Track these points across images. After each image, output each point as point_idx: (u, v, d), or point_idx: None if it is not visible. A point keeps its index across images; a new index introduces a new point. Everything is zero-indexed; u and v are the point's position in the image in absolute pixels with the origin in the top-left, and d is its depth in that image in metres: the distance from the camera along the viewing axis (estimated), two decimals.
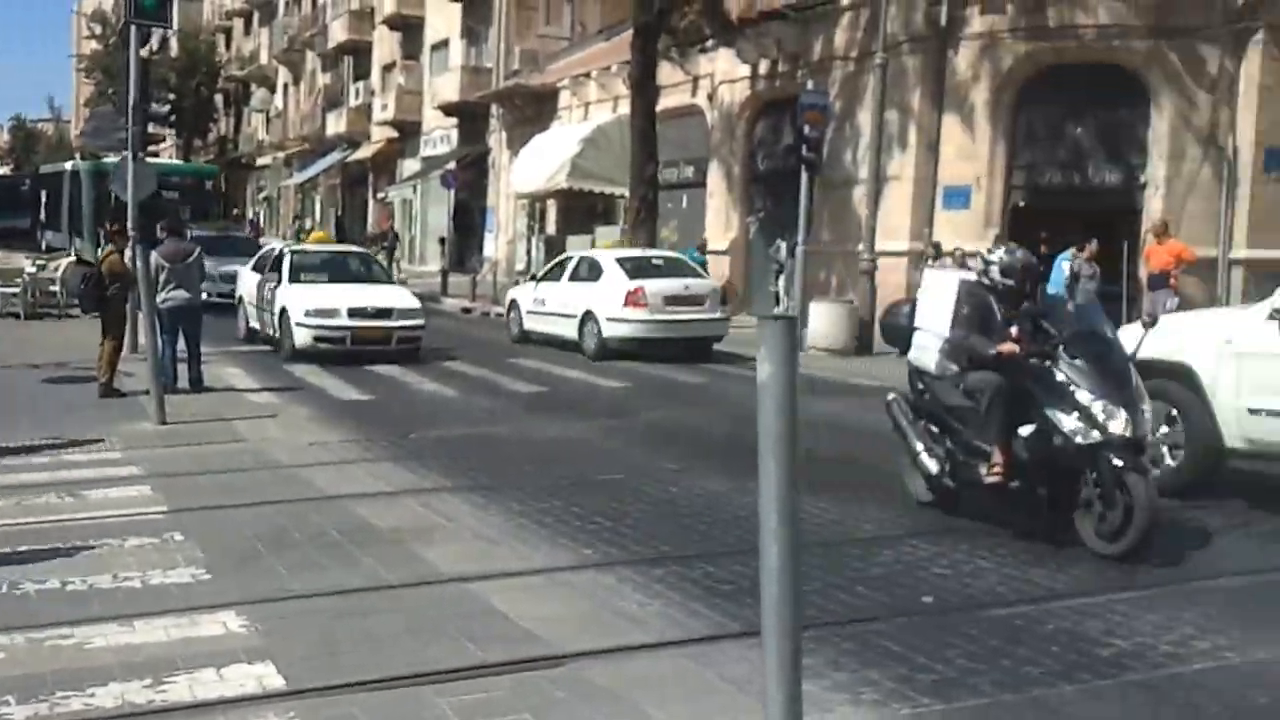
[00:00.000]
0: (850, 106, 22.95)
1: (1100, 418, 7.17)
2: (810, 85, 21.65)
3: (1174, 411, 8.96)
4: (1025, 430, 7.60)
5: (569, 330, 19.11)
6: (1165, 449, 8.96)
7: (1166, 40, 19.81)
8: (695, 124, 28.17)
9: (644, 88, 24.27)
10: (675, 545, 7.43)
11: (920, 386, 8.52)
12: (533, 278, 22.09)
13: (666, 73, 26.14)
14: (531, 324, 20.49)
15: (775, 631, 3.57)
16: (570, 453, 10.75)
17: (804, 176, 19.96)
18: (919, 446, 8.29)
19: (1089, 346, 7.51)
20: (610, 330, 18.20)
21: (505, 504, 8.46)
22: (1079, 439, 7.23)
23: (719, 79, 27.00)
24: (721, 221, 26.77)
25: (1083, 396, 7.26)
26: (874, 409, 12.62)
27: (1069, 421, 7.28)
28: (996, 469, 7.63)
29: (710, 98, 27.55)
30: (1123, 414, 7.18)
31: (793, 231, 20.56)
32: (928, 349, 8.38)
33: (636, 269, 18.89)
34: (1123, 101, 20.31)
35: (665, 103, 26.96)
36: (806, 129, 19.85)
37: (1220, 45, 19.70)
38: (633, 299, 18.03)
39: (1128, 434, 7.18)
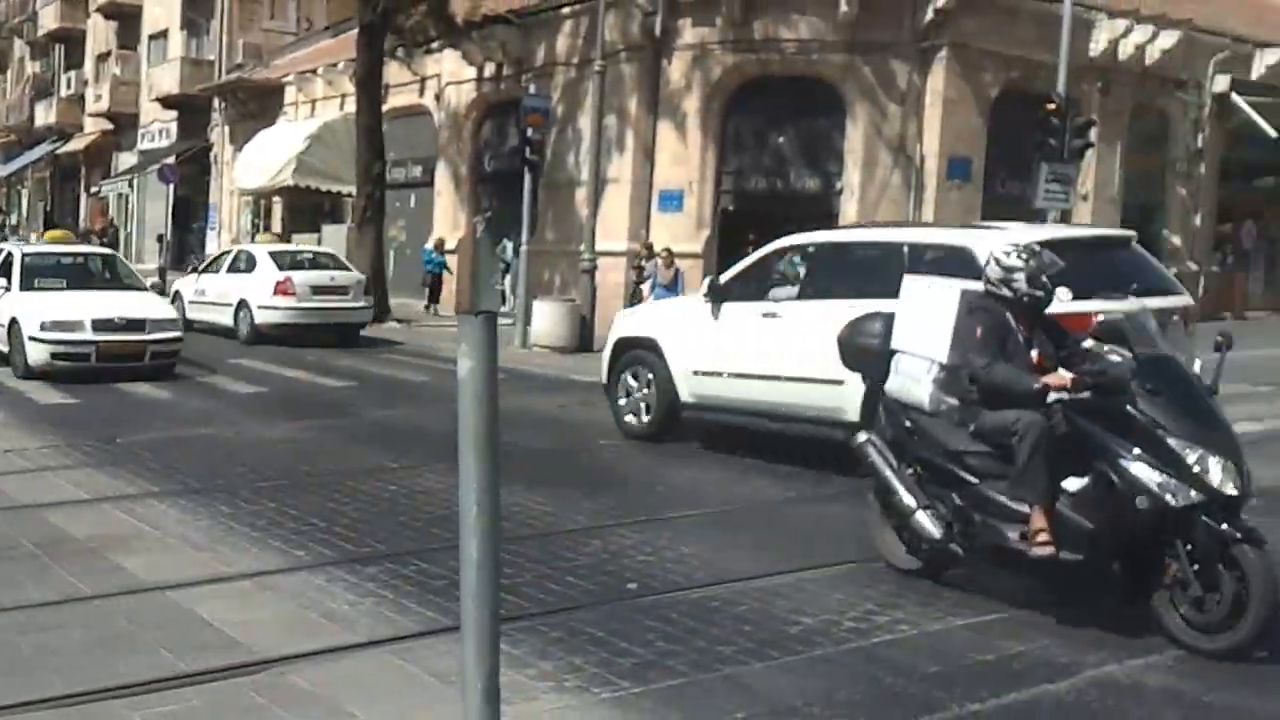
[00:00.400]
0: (572, 111, 23.17)
1: (1195, 469, 5.48)
2: (533, 89, 21.71)
3: (650, 375, 10.88)
4: (1073, 485, 5.85)
5: (225, 318, 20.21)
6: (643, 403, 11.00)
7: (861, 55, 20.86)
8: (423, 124, 27.83)
9: (370, 86, 23.83)
10: (390, 543, 7.29)
11: (908, 425, 6.59)
12: (194, 270, 23.20)
13: (394, 72, 25.73)
14: (194, 313, 20.94)
15: (474, 624, 3.54)
16: (287, 454, 10.39)
17: (527, 178, 20.01)
18: (912, 503, 6.42)
19: (1165, 374, 5.77)
20: (261, 317, 19.60)
21: (215, 508, 8.08)
22: (1172, 499, 5.49)
23: (445, 80, 26.76)
24: (449, 221, 26.51)
25: (1174, 443, 5.54)
26: (590, 404, 12.82)
27: (1153, 476, 5.53)
28: (1043, 537, 5.79)
29: (437, 98, 27.27)
30: (1221, 463, 5.52)
31: (518, 231, 20.58)
32: (917, 378, 6.58)
33: (287, 262, 20.50)
34: (821, 112, 21.28)
35: (393, 102, 26.55)
36: (529, 131, 19.90)
37: (909, 61, 20.91)
38: (282, 288, 19.54)
39: (1232, 491, 5.51)
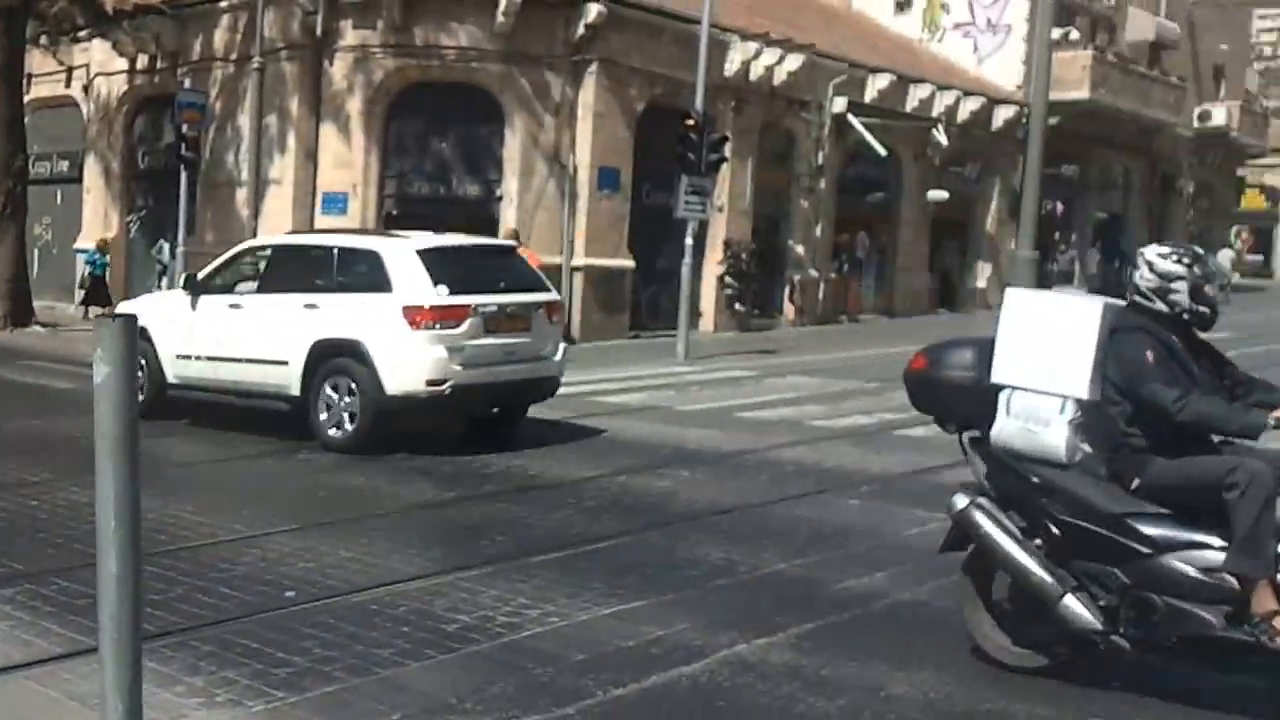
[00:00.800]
0: (231, 108, 22.08)
1: None
2: (188, 84, 20.53)
3: (143, 360, 11.29)
4: None
5: None
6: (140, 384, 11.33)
7: (517, 66, 21.00)
8: (70, 115, 25.76)
9: (10, 75, 21.79)
10: (29, 562, 6.72)
11: (1036, 481, 4.96)
12: None
13: (38, 60, 23.70)
14: None
15: (113, 642, 3.33)
16: None
17: (184, 176, 18.98)
18: (1056, 584, 4.82)
19: None
20: None
21: None
22: None
23: (95, 70, 24.89)
24: (100, 219, 24.70)
25: None
26: (250, 406, 12.24)
27: None
28: None
29: (86, 89, 25.32)
30: None
31: (175, 231, 19.48)
32: (1045, 421, 4.91)
33: None
34: (482, 120, 21.23)
35: (36, 92, 24.51)
36: (185, 128, 18.91)
37: (562, 74, 21.22)
38: None
39: None
